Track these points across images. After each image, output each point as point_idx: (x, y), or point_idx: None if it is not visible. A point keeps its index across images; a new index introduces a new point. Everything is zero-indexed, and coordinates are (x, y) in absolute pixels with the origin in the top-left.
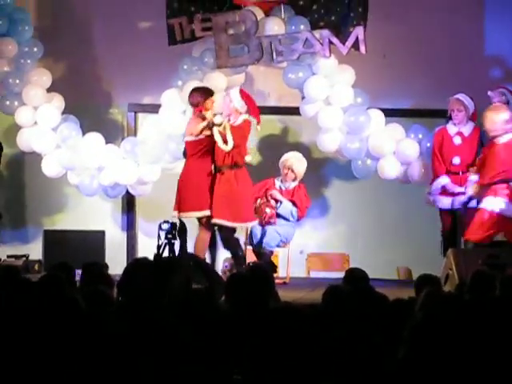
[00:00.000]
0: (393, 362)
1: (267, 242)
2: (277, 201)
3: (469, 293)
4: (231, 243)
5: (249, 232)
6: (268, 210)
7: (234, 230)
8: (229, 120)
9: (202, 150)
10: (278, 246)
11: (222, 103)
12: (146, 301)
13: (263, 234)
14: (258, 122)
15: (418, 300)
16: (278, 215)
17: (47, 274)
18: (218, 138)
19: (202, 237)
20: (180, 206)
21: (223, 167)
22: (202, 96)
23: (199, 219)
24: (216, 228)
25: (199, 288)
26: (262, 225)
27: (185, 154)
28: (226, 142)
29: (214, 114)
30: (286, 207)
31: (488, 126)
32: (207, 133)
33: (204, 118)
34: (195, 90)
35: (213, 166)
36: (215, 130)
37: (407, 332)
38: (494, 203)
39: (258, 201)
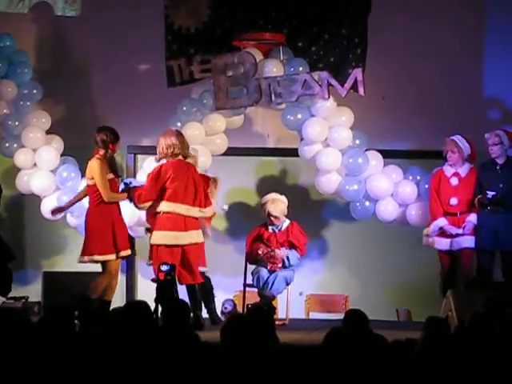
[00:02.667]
0: None
1: (276, 289)
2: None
3: (468, 334)
4: None
5: (255, 275)
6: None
7: None
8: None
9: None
10: (283, 290)
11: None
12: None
13: (273, 279)
14: None
15: (418, 341)
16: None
17: (45, 317)
18: None
19: (101, 281)
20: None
21: None
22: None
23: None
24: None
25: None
26: (271, 270)
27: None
28: None
29: None
30: (292, 254)
31: None
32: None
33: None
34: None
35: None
36: None
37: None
38: None
39: (263, 250)
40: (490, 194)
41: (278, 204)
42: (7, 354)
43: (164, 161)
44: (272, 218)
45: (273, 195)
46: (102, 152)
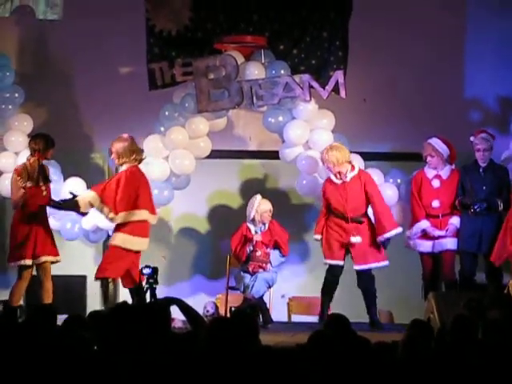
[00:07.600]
0: None
1: (257, 291)
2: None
3: (449, 336)
4: None
5: (237, 277)
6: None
7: None
8: None
9: None
10: (264, 292)
11: None
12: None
13: (253, 282)
14: None
15: (400, 343)
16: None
17: (27, 319)
18: None
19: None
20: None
21: None
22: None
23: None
24: None
25: (180, 332)
26: (252, 272)
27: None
28: None
29: None
30: (274, 254)
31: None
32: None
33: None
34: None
35: None
36: None
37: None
38: None
39: (260, 251)
40: (477, 206)
41: (267, 205)
42: None
43: (124, 166)
44: (260, 214)
45: (264, 201)
46: (31, 159)
